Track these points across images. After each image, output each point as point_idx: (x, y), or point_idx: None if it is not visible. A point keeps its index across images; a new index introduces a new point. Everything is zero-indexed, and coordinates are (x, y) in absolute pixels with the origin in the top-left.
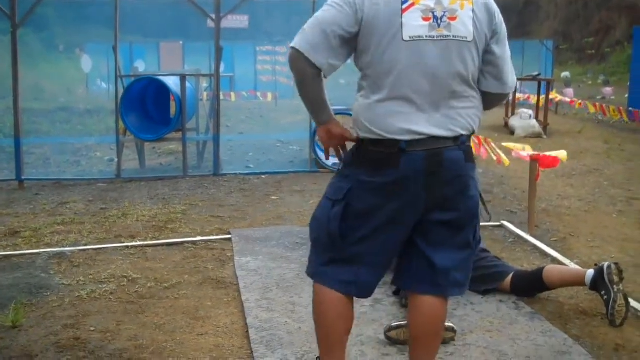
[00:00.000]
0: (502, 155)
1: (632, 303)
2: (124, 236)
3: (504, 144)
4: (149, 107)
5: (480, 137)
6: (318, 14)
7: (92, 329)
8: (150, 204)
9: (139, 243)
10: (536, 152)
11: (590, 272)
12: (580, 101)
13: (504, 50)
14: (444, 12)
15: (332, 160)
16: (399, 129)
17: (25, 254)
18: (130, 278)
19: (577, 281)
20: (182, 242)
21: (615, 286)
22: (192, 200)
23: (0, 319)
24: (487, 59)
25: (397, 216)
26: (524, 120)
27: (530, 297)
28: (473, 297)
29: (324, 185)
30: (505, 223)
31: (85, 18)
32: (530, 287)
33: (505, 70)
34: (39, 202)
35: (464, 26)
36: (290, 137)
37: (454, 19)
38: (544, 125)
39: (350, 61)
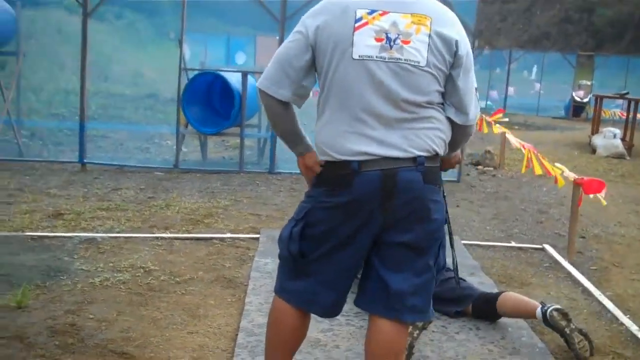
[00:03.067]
0: (559, 175)
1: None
2: (158, 227)
3: (557, 164)
4: (214, 101)
5: (538, 154)
6: (279, 49)
7: (91, 316)
8: (197, 196)
9: (168, 235)
10: (580, 177)
11: (539, 312)
12: None
13: (466, 81)
14: (398, 35)
15: None
16: (350, 150)
17: (58, 237)
18: (147, 269)
19: (528, 315)
20: (211, 238)
21: (566, 329)
22: (238, 196)
23: (7, 299)
24: (448, 87)
25: (352, 236)
26: (607, 139)
27: (492, 321)
28: (481, 323)
29: None
30: (547, 247)
31: (195, 6)
32: (487, 312)
33: (466, 102)
34: (93, 186)
35: (417, 51)
36: None
37: (407, 42)
38: (629, 146)
39: None
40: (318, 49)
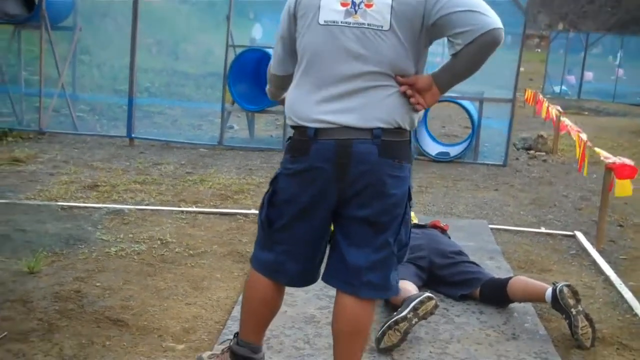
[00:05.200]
0: (585, 163)
1: None
2: (187, 201)
3: (596, 149)
4: (263, 79)
5: (583, 139)
6: None
7: (97, 284)
8: (234, 173)
9: (193, 209)
10: (615, 161)
11: (550, 292)
12: None
13: (454, 6)
14: None
15: (437, 150)
16: (308, 117)
17: (88, 207)
18: (165, 241)
19: (538, 298)
20: (235, 213)
21: (573, 309)
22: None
23: (21, 264)
24: (441, 24)
25: (309, 208)
26: None
27: (501, 307)
28: (486, 307)
29: (419, 173)
30: (578, 234)
31: None
32: (497, 297)
33: (474, 9)
34: (136, 160)
35: (380, 14)
36: None
37: (370, 6)
38: None
39: None
40: (297, 16)
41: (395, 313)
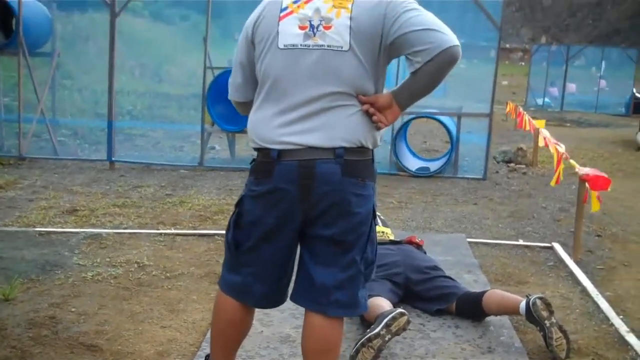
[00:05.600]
0: (559, 175)
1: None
2: (165, 223)
3: (571, 160)
4: None
5: (561, 151)
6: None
7: (72, 309)
8: (214, 194)
9: (171, 231)
10: (588, 172)
11: (523, 304)
12: None
13: (411, 25)
14: (320, 21)
15: (417, 165)
16: (270, 139)
17: (65, 232)
18: (142, 264)
19: (513, 311)
20: (214, 235)
21: (547, 321)
22: None
23: None
24: (399, 43)
25: (275, 229)
26: None
27: (477, 321)
28: (462, 321)
29: (398, 188)
30: (556, 245)
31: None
32: (472, 311)
33: (433, 28)
34: (116, 184)
35: (339, 35)
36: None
37: (329, 27)
38: None
39: None
40: (255, 42)
41: (368, 330)
